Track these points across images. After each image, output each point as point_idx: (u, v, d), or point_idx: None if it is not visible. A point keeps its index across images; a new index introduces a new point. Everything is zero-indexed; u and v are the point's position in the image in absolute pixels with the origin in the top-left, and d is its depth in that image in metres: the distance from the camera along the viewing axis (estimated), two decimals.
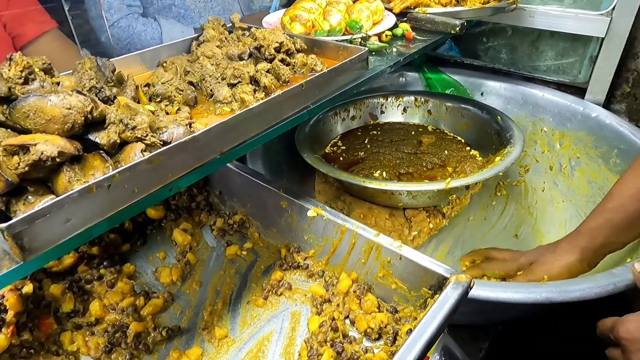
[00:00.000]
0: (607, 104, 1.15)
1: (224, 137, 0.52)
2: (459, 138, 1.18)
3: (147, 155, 0.44)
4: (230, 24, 0.84)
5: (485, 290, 0.61)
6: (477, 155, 1.10)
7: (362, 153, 1.13)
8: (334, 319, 0.60)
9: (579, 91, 1.17)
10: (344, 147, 1.16)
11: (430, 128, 1.23)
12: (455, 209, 1.08)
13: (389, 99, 1.27)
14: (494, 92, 1.28)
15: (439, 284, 0.56)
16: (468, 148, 1.13)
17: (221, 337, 0.62)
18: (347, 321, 0.62)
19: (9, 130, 0.43)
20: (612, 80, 1.10)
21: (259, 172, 0.77)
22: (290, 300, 0.67)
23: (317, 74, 0.64)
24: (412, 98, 1.26)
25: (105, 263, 0.69)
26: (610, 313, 0.96)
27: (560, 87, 1.21)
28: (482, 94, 1.29)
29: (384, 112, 1.28)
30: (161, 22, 1.02)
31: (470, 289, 0.54)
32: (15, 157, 0.39)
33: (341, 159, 1.12)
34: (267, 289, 0.68)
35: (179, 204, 0.83)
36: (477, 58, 1.35)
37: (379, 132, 1.22)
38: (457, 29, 0.88)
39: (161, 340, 0.61)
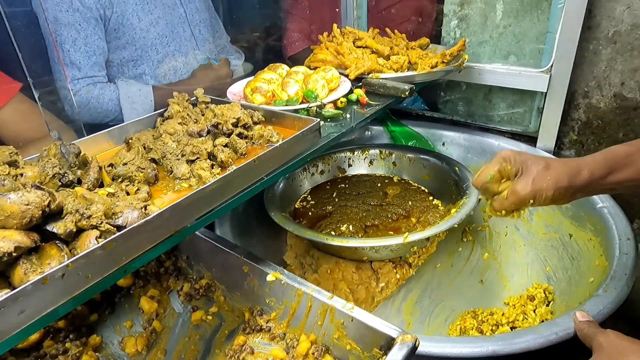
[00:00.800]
0: (557, 151, 1.23)
1: (178, 216, 0.56)
2: (423, 188, 1.24)
3: (101, 242, 0.48)
4: (194, 97, 0.90)
5: (434, 347, 0.64)
6: (440, 205, 1.15)
7: (330, 207, 1.18)
8: None
9: (531, 139, 1.25)
10: (313, 202, 1.21)
11: (395, 179, 1.29)
12: (422, 257, 1.12)
13: (356, 153, 1.34)
14: (455, 142, 1.35)
15: (388, 344, 0.59)
16: (431, 198, 1.19)
17: None
18: None
19: None
20: (559, 128, 1.19)
21: (223, 238, 0.81)
22: None
23: (270, 148, 0.69)
24: (378, 151, 1.33)
25: (71, 336, 0.71)
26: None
27: (514, 136, 1.29)
28: (443, 144, 1.37)
29: (351, 165, 1.34)
30: (119, 83, 1.08)
31: (417, 347, 0.57)
32: None
33: (310, 213, 1.16)
34: (229, 354, 0.70)
35: (148, 270, 0.85)
36: (437, 110, 1.43)
37: (347, 185, 1.27)
38: (407, 93, 0.96)
39: None
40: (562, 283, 0.98)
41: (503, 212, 0.75)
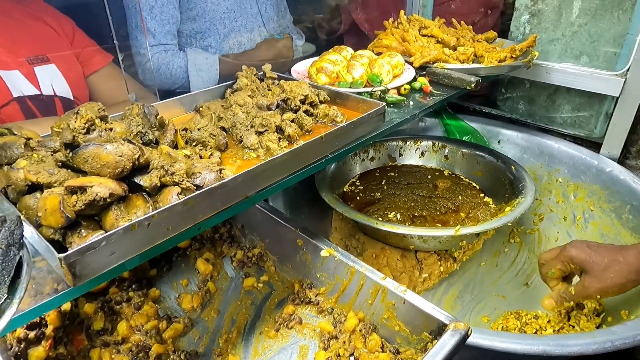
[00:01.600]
0: (622, 160, 1.17)
1: (250, 183, 0.58)
2: (474, 184, 1.22)
3: (183, 198, 0.51)
4: (262, 73, 0.92)
5: (483, 339, 0.64)
6: (491, 203, 1.13)
7: (379, 194, 1.18)
8: (339, 355, 0.64)
9: (594, 145, 1.20)
10: (362, 187, 1.21)
11: (446, 173, 1.27)
12: (467, 253, 1.11)
13: (408, 143, 1.33)
14: (511, 141, 1.32)
15: (439, 329, 0.60)
16: (482, 195, 1.17)
17: None
18: (352, 358, 0.66)
19: (68, 170, 0.51)
20: (627, 136, 1.13)
21: (279, 210, 0.83)
22: (300, 334, 0.71)
23: (337, 127, 0.71)
24: (430, 143, 1.31)
25: (134, 286, 0.76)
26: None
27: (576, 140, 1.24)
28: (499, 142, 1.34)
29: (402, 155, 1.34)
30: (188, 51, 1.12)
31: (468, 336, 0.58)
32: (74, 196, 0.46)
33: (358, 198, 1.17)
34: (279, 321, 0.73)
35: (204, 234, 0.89)
36: (495, 107, 1.40)
37: (396, 174, 1.27)
38: (472, 85, 0.94)
39: None
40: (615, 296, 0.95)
41: (567, 304, 0.82)
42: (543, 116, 1.30)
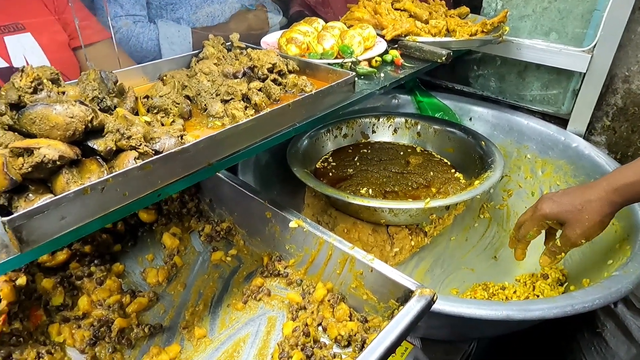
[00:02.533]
0: (588, 136, 1.20)
1: (213, 149, 0.57)
2: (445, 160, 1.23)
3: (140, 162, 0.49)
4: (229, 42, 0.89)
5: (449, 305, 0.65)
6: (461, 178, 1.15)
7: (351, 170, 1.18)
8: (307, 324, 0.64)
9: (561, 122, 1.22)
10: (334, 164, 1.21)
11: (418, 149, 1.28)
12: (437, 228, 1.12)
13: (381, 119, 1.32)
14: (482, 118, 1.33)
15: (406, 296, 0.60)
16: (453, 170, 1.18)
17: (200, 336, 0.65)
18: (320, 328, 0.66)
19: (15, 133, 0.48)
20: (593, 113, 1.16)
21: (248, 183, 0.82)
22: (268, 305, 0.70)
23: (305, 95, 0.69)
24: (403, 119, 1.31)
25: (96, 261, 0.73)
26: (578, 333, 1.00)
27: (545, 117, 1.26)
28: (470, 119, 1.35)
29: (375, 132, 1.33)
30: (158, 23, 1.08)
31: (434, 302, 0.58)
32: (20, 159, 0.43)
33: (330, 174, 1.16)
34: (247, 294, 0.72)
35: (171, 209, 0.87)
36: (468, 85, 1.40)
37: (369, 151, 1.27)
38: (444, 58, 0.94)
39: (143, 337, 0.65)
40: (578, 265, 0.98)
41: (559, 256, 0.83)
42: (513, 93, 1.32)
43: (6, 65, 0.84)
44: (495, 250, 1.15)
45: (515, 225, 0.89)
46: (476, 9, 1.30)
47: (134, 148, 0.50)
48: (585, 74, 1.11)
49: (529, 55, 1.18)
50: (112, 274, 0.73)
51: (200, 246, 0.82)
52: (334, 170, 1.18)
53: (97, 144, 0.49)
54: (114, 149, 0.49)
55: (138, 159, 0.50)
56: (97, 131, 0.50)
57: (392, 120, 1.32)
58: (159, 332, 0.67)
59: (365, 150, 1.27)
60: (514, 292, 0.97)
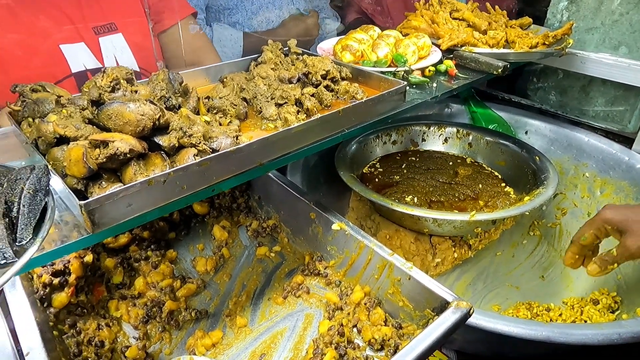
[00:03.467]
0: None
1: (264, 150, 0.60)
2: (496, 173, 1.20)
3: (198, 159, 0.53)
4: (287, 48, 0.93)
5: (485, 320, 0.64)
6: (511, 193, 1.12)
7: (398, 177, 1.18)
8: (342, 325, 0.66)
9: (626, 140, 1.16)
10: (381, 169, 1.22)
11: (468, 160, 1.26)
12: (483, 242, 1.10)
13: (432, 128, 1.32)
14: (539, 132, 1.28)
15: (442, 307, 0.61)
16: (503, 184, 1.15)
17: (241, 325, 0.69)
18: (355, 329, 0.67)
19: (94, 127, 0.54)
20: None
21: (295, 184, 0.85)
22: (307, 303, 0.73)
23: (355, 102, 0.71)
24: (454, 129, 1.30)
25: (152, 246, 0.79)
26: None
27: (608, 134, 1.20)
28: (526, 132, 1.31)
29: (425, 140, 1.33)
30: (214, 27, 1.14)
31: (470, 315, 0.58)
32: (97, 150, 0.49)
33: (377, 180, 1.18)
34: (287, 289, 0.75)
35: (222, 203, 0.92)
36: (525, 97, 1.36)
37: (417, 159, 1.26)
38: (500, 70, 0.92)
39: (189, 320, 0.70)
40: (632, 294, 0.93)
41: (611, 266, 0.77)
42: (575, 108, 1.26)
43: (99, 65, 0.89)
44: (544, 269, 1.11)
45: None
46: (540, 19, 1.26)
47: (193, 145, 0.55)
48: None
49: (595, 69, 1.13)
50: (166, 259, 0.79)
51: (247, 240, 0.87)
52: (380, 176, 1.19)
53: (162, 140, 0.54)
54: (177, 145, 0.54)
55: (197, 155, 0.54)
56: (162, 128, 0.56)
57: (443, 129, 1.31)
58: (204, 317, 0.71)
59: (414, 158, 1.26)
60: (560, 314, 0.94)
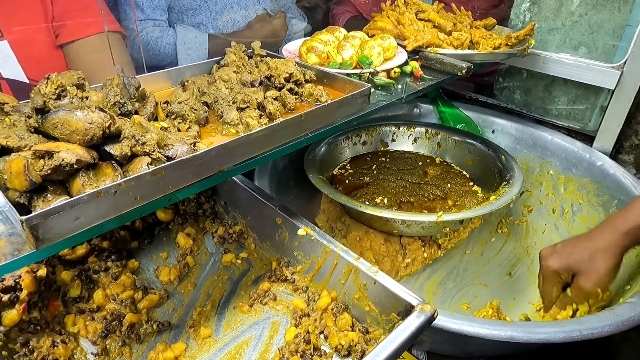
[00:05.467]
0: (615, 154, 1.16)
1: (224, 156, 0.58)
2: (464, 172, 1.21)
3: (152, 168, 0.51)
4: (251, 50, 0.92)
5: (452, 323, 0.65)
6: (479, 192, 1.13)
7: (368, 178, 1.18)
8: (308, 332, 0.65)
9: (587, 138, 1.19)
10: (351, 171, 1.21)
11: (437, 160, 1.27)
12: (452, 241, 1.11)
13: (401, 128, 1.32)
14: (505, 131, 1.30)
15: (407, 310, 0.60)
16: (471, 183, 1.17)
17: (205, 336, 0.68)
18: (322, 336, 0.67)
19: (40, 136, 0.51)
20: (621, 131, 1.12)
21: (261, 188, 0.83)
22: (274, 310, 0.72)
23: (318, 106, 0.70)
24: (423, 129, 1.31)
25: (113, 257, 0.76)
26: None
27: (570, 132, 1.23)
28: (493, 131, 1.33)
29: (395, 140, 1.33)
30: (177, 29, 1.11)
31: (434, 319, 0.58)
32: (41, 161, 0.46)
33: (347, 182, 1.17)
34: (254, 297, 0.73)
35: (187, 209, 0.90)
36: (492, 97, 1.38)
37: (387, 159, 1.27)
38: (464, 71, 0.93)
39: (151, 333, 0.68)
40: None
41: (573, 306, 0.78)
42: (539, 107, 1.29)
43: None
44: (512, 266, 1.13)
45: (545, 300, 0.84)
46: (505, 21, 1.28)
47: (147, 154, 0.53)
48: (614, 90, 1.08)
49: (556, 69, 1.15)
50: (127, 269, 0.76)
51: (213, 247, 0.85)
52: (350, 178, 1.19)
53: (114, 149, 0.52)
54: (129, 154, 0.52)
55: (151, 164, 0.52)
56: (114, 136, 0.53)
57: (412, 129, 1.32)
58: (166, 329, 0.69)
59: (384, 159, 1.27)
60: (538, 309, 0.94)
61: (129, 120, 0.55)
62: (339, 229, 1.10)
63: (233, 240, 0.85)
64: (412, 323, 0.56)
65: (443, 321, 0.64)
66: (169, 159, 0.54)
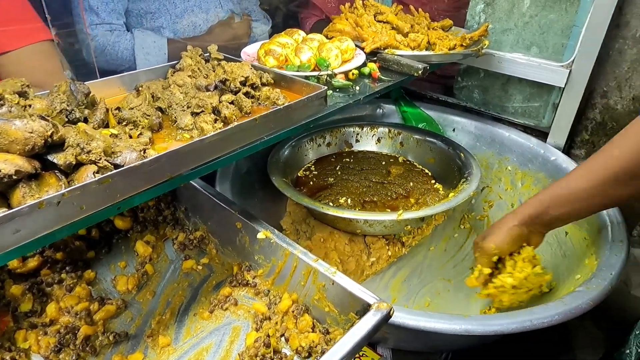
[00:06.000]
0: (568, 149, 1.21)
1: (175, 163, 0.58)
2: (426, 171, 1.24)
3: (98, 177, 0.50)
4: (208, 54, 0.91)
5: (410, 319, 0.66)
6: (441, 189, 1.16)
7: (332, 179, 1.19)
8: (269, 335, 0.65)
9: (542, 135, 1.23)
10: (316, 172, 1.22)
11: (400, 159, 1.29)
12: (416, 238, 1.13)
13: (365, 129, 1.34)
14: (465, 129, 1.34)
15: (364, 309, 0.61)
16: (433, 181, 1.19)
17: (164, 345, 0.67)
18: (283, 339, 0.67)
19: None
20: (572, 126, 1.17)
21: (221, 193, 0.83)
22: (235, 315, 0.71)
23: (273, 109, 0.70)
24: (386, 129, 1.33)
25: (67, 268, 0.74)
26: (553, 347, 1.01)
27: (526, 129, 1.27)
28: (454, 129, 1.36)
29: (359, 141, 1.34)
30: (135, 33, 1.09)
31: (390, 316, 0.59)
32: None
33: (311, 183, 1.18)
34: (214, 303, 0.73)
35: (147, 217, 0.88)
36: (452, 96, 1.41)
37: (351, 160, 1.28)
38: (420, 72, 0.95)
39: (107, 344, 0.66)
40: (557, 280, 0.99)
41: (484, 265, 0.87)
42: (496, 105, 1.33)
43: None
44: (473, 261, 1.16)
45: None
46: (463, 22, 1.31)
47: (93, 162, 0.51)
48: (564, 88, 1.12)
49: (510, 68, 1.19)
50: (83, 280, 0.74)
51: (173, 254, 0.84)
52: (315, 179, 1.19)
53: (57, 158, 0.50)
54: (74, 163, 0.51)
55: (97, 173, 0.51)
56: (58, 145, 0.52)
57: (375, 129, 1.33)
58: (123, 340, 0.68)
59: (348, 160, 1.28)
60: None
61: (73, 128, 0.54)
62: (303, 231, 1.11)
63: (194, 247, 0.84)
64: (368, 321, 0.57)
65: (401, 318, 0.66)
66: (116, 166, 0.53)
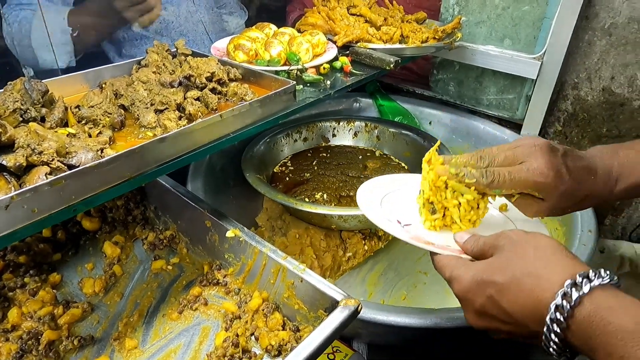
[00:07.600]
0: None
1: (134, 162, 0.56)
2: (403, 164, 1.24)
3: (50, 178, 0.48)
4: (175, 49, 0.89)
5: (379, 314, 0.66)
6: None
7: (309, 174, 1.18)
8: (237, 335, 0.64)
9: (516, 126, 1.24)
10: (292, 168, 1.21)
11: (377, 153, 1.29)
12: None
13: (341, 123, 1.33)
14: (441, 122, 1.34)
15: (332, 306, 0.61)
16: None
17: (131, 348, 0.65)
18: (253, 337, 0.66)
19: None
20: (545, 118, 1.18)
21: (191, 192, 0.81)
22: (204, 315, 0.70)
23: (238, 105, 0.69)
24: (363, 123, 1.32)
25: (31, 272, 0.72)
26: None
27: (501, 121, 1.28)
28: (430, 123, 1.36)
29: (335, 135, 1.34)
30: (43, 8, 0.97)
31: (358, 312, 0.59)
32: None
33: (287, 179, 1.17)
34: (184, 303, 0.72)
35: (116, 217, 0.86)
36: (428, 89, 1.42)
37: (328, 155, 1.27)
38: (392, 65, 0.94)
39: (72, 349, 0.65)
40: None
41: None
42: (471, 98, 1.33)
43: None
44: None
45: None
46: (438, 15, 1.31)
47: (46, 163, 0.50)
48: (536, 80, 1.13)
49: (483, 61, 1.20)
50: (48, 284, 0.72)
51: (143, 255, 0.82)
52: (291, 175, 1.18)
53: (6, 160, 0.48)
54: (24, 164, 0.49)
55: (50, 174, 0.49)
56: (8, 146, 0.50)
57: (352, 123, 1.33)
58: (89, 344, 0.66)
59: (325, 154, 1.27)
60: None
61: (24, 128, 0.52)
62: (279, 227, 1.10)
63: (164, 246, 0.83)
64: (335, 318, 0.57)
65: (370, 314, 0.65)
66: (71, 167, 0.51)
